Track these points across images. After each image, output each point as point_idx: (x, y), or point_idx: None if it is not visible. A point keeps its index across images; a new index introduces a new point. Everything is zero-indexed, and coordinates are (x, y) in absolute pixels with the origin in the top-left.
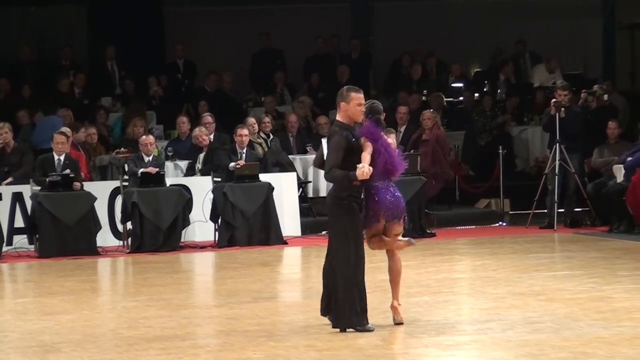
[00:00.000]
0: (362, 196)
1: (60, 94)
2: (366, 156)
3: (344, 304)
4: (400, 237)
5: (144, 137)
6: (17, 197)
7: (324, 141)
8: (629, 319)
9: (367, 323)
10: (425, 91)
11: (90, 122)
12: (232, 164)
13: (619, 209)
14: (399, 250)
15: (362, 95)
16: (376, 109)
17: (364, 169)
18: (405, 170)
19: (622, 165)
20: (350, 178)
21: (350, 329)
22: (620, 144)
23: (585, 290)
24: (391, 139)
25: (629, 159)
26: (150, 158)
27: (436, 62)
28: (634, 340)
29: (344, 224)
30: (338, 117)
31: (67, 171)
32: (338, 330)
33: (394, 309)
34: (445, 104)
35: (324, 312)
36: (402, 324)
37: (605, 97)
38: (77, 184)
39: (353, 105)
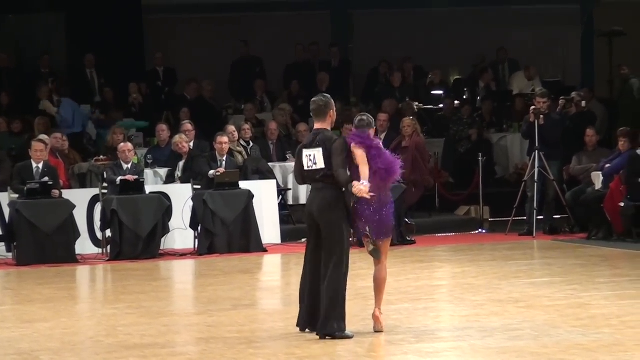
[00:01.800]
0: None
1: (39, 102)
2: (365, 171)
3: (330, 314)
4: (369, 245)
5: (122, 144)
6: None
7: (308, 151)
8: (608, 326)
9: (346, 329)
10: (407, 98)
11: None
12: (211, 172)
13: (597, 216)
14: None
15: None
16: (366, 121)
17: (359, 187)
18: (399, 173)
19: (600, 173)
20: (348, 187)
21: (328, 337)
22: (599, 151)
23: (564, 297)
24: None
25: (607, 166)
26: (129, 165)
27: (413, 68)
28: (613, 347)
29: (343, 233)
30: (326, 127)
31: (46, 179)
32: (318, 337)
33: (375, 318)
34: (416, 110)
35: (305, 325)
36: (381, 332)
37: (583, 104)
38: (55, 192)
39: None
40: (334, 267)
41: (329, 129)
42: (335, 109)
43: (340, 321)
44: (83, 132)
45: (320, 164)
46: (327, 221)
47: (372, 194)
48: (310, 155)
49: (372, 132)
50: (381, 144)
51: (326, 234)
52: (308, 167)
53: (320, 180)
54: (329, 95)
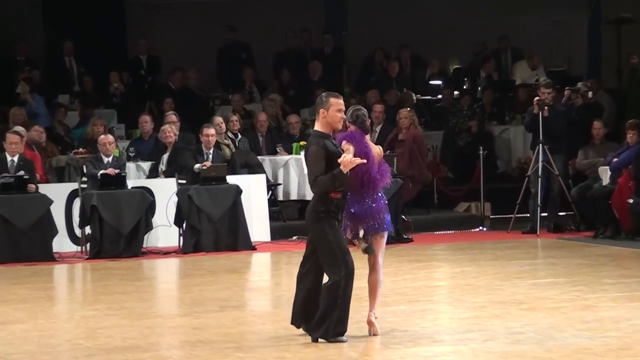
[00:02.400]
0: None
1: (14, 91)
2: (349, 147)
3: (325, 316)
4: (361, 243)
5: (102, 136)
6: None
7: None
8: (615, 329)
9: (343, 335)
10: (405, 89)
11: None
12: (197, 166)
13: (605, 213)
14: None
15: (342, 101)
16: (361, 116)
17: (346, 157)
18: (387, 183)
19: (607, 167)
20: (336, 174)
21: (322, 339)
22: (606, 144)
23: (569, 298)
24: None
25: (615, 160)
26: (110, 159)
27: (410, 56)
28: (621, 352)
29: (328, 238)
30: (316, 127)
31: (21, 172)
32: (310, 340)
33: (370, 323)
34: (415, 101)
35: (299, 322)
36: (377, 335)
37: (590, 94)
38: (31, 186)
39: (332, 111)
40: (330, 274)
41: (319, 129)
42: (327, 107)
43: (338, 325)
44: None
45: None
46: (312, 233)
47: (361, 160)
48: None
49: (367, 138)
50: (372, 153)
51: (315, 245)
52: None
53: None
54: (327, 94)
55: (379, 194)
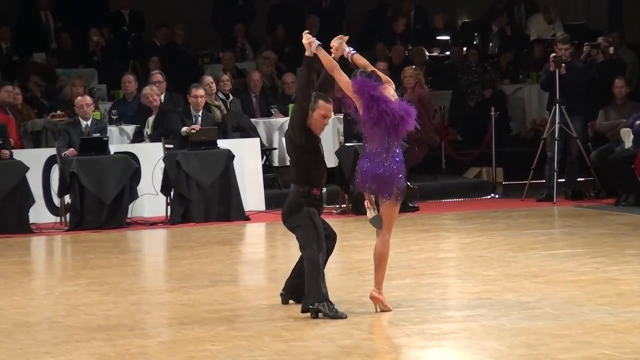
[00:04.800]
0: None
1: None
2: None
3: (310, 286)
4: (370, 210)
5: (79, 98)
6: None
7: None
8: (638, 304)
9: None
10: (409, 46)
11: (22, 81)
12: (184, 129)
13: (627, 178)
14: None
15: (331, 107)
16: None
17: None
18: (412, 124)
19: (630, 129)
20: (307, 61)
21: (320, 314)
22: (629, 104)
23: (588, 271)
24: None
25: (638, 122)
26: (89, 122)
27: (415, 9)
28: None
29: (304, 210)
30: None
31: None
32: (309, 315)
33: (374, 299)
34: (427, 59)
35: (287, 291)
36: (388, 310)
37: (612, 50)
38: (5, 152)
39: (317, 114)
40: (302, 240)
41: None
42: (317, 110)
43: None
44: None
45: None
46: (292, 221)
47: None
48: None
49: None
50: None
51: (296, 225)
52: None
53: (292, 181)
54: (317, 95)
55: (398, 154)
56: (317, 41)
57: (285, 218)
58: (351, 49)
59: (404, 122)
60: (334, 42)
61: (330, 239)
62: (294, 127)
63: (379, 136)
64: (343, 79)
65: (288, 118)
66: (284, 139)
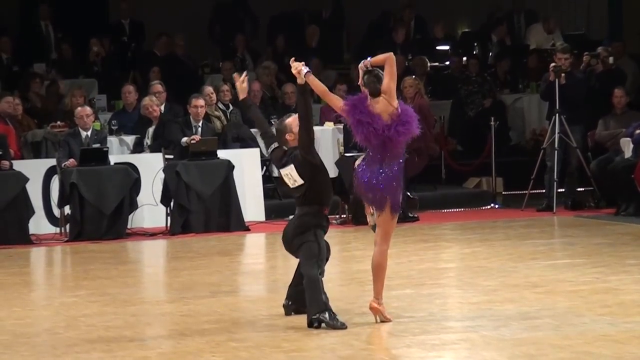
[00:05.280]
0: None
1: None
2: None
3: (311, 302)
4: (370, 218)
5: (79, 108)
6: None
7: (284, 171)
8: (639, 314)
9: (330, 317)
10: (410, 56)
11: (22, 92)
12: (185, 139)
13: (627, 188)
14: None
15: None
16: (370, 76)
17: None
18: (413, 132)
19: (629, 139)
20: (300, 89)
21: (322, 323)
22: (628, 114)
23: (588, 281)
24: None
25: (638, 131)
26: (89, 133)
27: (415, 18)
28: None
29: (312, 231)
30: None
31: None
32: (307, 327)
33: (374, 309)
34: (429, 69)
35: (291, 299)
36: (389, 321)
37: (611, 60)
38: (5, 163)
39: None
40: (303, 253)
41: (286, 147)
42: (295, 130)
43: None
44: None
45: (299, 180)
46: (297, 245)
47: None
48: (288, 175)
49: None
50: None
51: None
52: (292, 185)
53: (300, 203)
54: (290, 117)
55: (396, 167)
56: (305, 67)
57: (290, 240)
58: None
59: (394, 141)
60: (293, 67)
61: (326, 248)
62: (306, 149)
63: (372, 151)
64: (335, 102)
65: None
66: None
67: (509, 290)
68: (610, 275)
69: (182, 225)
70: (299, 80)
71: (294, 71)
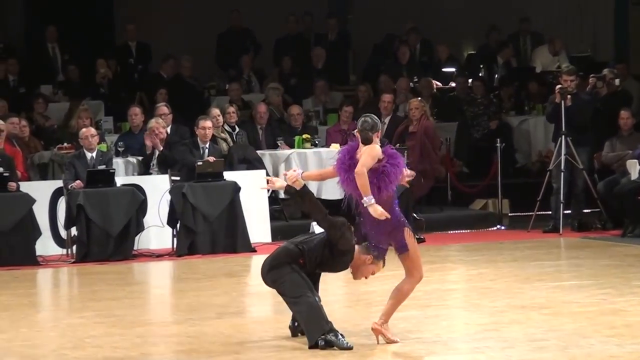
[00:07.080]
0: None
1: None
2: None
3: (309, 327)
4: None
5: (84, 129)
6: None
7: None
8: None
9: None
10: (415, 78)
11: (28, 113)
12: (200, 161)
13: (634, 209)
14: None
15: None
16: (363, 124)
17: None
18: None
19: (636, 161)
20: (301, 193)
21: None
22: (635, 135)
23: (595, 302)
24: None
25: None
26: (94, 154)
27: (420, 41)
28: None
29: (285, 281)
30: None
31: (0, 169)
32: (316, 348)
33: (376, 331)
34: (435, 90)
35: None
36: (395, 342)
37: (617, 82)
38: (12, 184)
39: None
40: (287, 289)
41: None
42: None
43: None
44: None
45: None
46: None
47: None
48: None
49: (377, 136)
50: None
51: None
52: None
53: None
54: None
55: (395, 204)
56: (297, 171)
57: (265, 273)
58: (299, 170)
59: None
60: (289, 178)
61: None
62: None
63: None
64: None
65: (294, 150)
66: (296, 168)
67: (516, 312)
68: (617, 296)
69: (188, 246)
70: (298, 186)
71: (290, 182)
